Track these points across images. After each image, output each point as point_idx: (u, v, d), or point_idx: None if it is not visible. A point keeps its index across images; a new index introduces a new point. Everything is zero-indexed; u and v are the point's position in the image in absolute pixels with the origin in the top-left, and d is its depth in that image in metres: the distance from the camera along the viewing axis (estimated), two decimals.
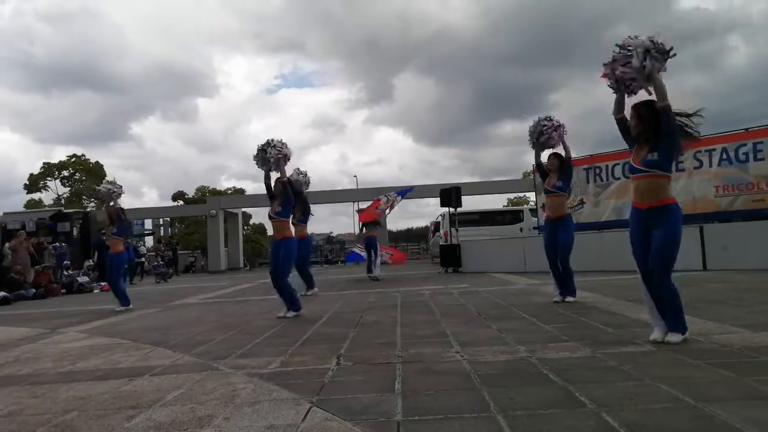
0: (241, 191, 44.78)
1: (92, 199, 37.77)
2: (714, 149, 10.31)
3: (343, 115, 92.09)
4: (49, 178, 39.76)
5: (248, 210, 38.94)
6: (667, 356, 3.07)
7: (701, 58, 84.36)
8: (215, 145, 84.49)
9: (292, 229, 6.62)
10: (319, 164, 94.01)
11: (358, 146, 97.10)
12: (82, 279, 14.78)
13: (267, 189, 6.20)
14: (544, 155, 6.25)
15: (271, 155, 6.00)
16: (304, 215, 8.84)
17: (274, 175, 6.16)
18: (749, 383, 2.45)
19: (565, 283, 5.87)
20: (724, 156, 10.21)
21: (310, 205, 9.14)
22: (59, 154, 65.26)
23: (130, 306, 8.03)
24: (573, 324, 4.42)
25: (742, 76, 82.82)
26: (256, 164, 6.17)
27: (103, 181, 8.72)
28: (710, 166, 10.40)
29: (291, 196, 6.13)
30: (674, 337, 3.37)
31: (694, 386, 2.44)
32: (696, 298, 5.38)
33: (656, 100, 3.43)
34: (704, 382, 2.51)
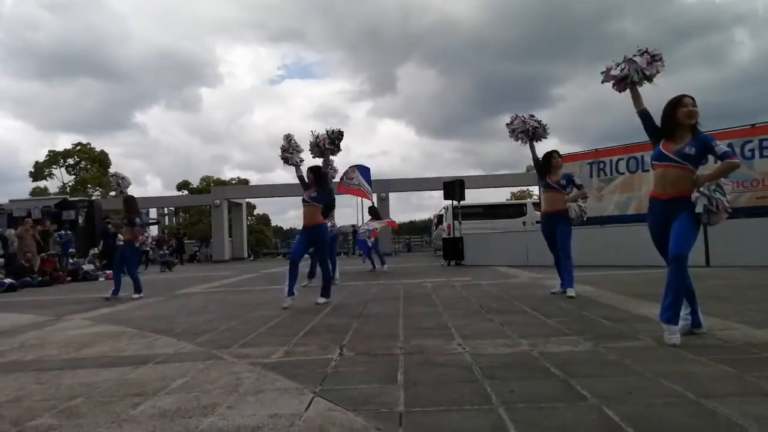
0: (245, 182, 44.86)
1: (99, 188, 37.93)
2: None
3: (346, 106, 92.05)
4: (54, 166, 39.90)
5: (252, 200, 39.02)
6: (669, 351, 3.08)
7: (706, 52, 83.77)
8: (218, 134, 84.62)
9: None
10: None
11: (362, 138, 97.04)
12: (88, 267, 14.86)
13: (300, 181, 6.38)
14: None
15: (290, 148, 6.36)
16: (326, 208, 8.95)
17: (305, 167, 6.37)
18: (750, 379, 2.46)
19: (565, 275, 5.88)
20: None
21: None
22: (62, 141, 65.77)
23: (142, 294, 8.07)
24: (574, 318, 4.43)
25: (747, 70, 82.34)
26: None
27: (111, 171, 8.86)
28: (715, 161, 10.33)
29: (327, 183, 6.36)
30: (674, 338, 3.23)
31: (696, 381, 2.45)
32: (698, 294, 5.35)
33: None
34: (705, 378, 2.52)
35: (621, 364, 2.84)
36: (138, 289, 8.11)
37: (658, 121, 3.61)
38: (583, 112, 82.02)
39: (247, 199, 35.04)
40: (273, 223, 53.57)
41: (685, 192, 3.42)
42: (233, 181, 44.59)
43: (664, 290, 3.41)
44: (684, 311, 3.50)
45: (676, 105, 3.48)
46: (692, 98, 3.49)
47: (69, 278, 13.96)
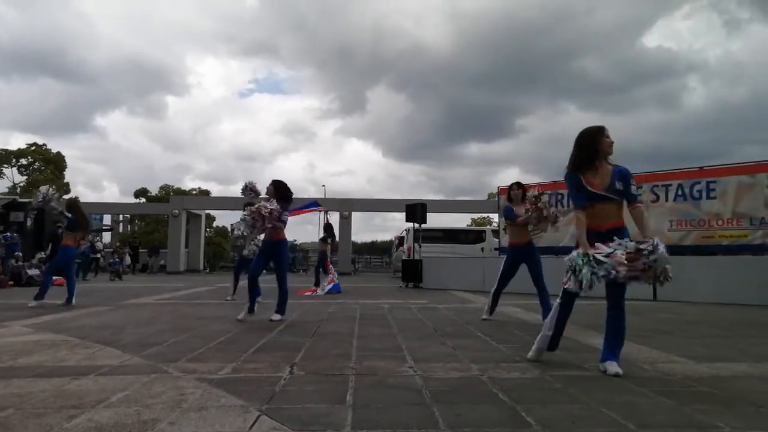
0: (206, 192, 44.06)
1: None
2: (670, 185, 10.73)
3: (314, 123, 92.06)
4: (6, 166, 38.31)
5: (212, 212, 38.30)
6: (613, 382, 3.16)
7: (661, 95, 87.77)
8: (182, 144, 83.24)
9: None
10: (287, 171, 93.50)
11: (328, 156, 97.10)
12: (33, 272, 14.23)
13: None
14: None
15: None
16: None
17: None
18: (687, 411, 2.54)
19: (546, 304, 5.94)
20: (680, 192, 10.63)
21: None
22: (17, 141, 62.92)
23: (41, 301, 7.76)
24: (525, 345, 4.47)
25: (699, 115, 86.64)
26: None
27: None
28: (666, 200, 10.82)
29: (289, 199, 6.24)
30: (614, 368, 3.33)
31: (636, 412, 2.52)
32: (645, 327, 5.55)
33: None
34: (646, 409, 2.59)
35: (566, 393, 2.90)
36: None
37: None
38: (544, 145, 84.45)
39: (207, 211, 34.38)
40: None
41: (620, 223, 3.49)
42: (194, 192, 43.73)
43: (615, 333, 3.48)
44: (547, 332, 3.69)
45: (599, 134, 3.52)
46: (606, 129, 3.57)
47: (11, 282, 13.34)
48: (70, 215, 8.16)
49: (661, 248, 3.27)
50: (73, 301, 7.89)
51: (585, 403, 2.68)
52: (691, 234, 10.46)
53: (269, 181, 6.29)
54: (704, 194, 10.33)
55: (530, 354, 3.80)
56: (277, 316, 5.99)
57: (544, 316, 5.80)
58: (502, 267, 6.26)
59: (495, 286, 6.28)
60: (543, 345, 3.74)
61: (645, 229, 3.48)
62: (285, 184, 6.26)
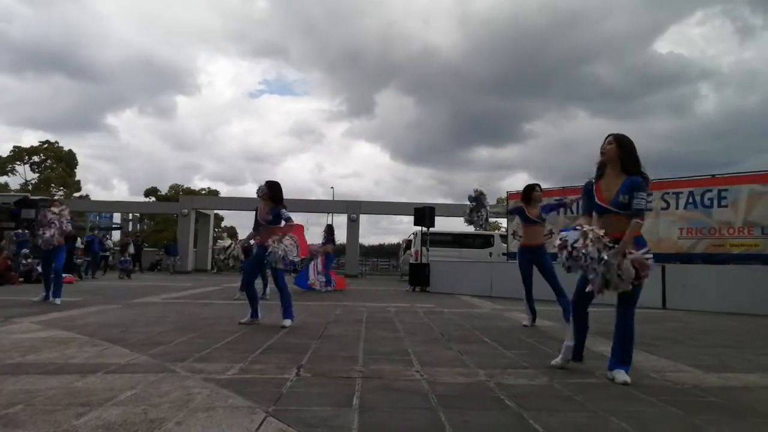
0: (215, 192, 44.35)
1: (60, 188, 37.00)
2: (681, 192, 10.66)
3: (322, 125, 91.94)
4: (18, 163, 38.73)
5: (221, 212, 38.52)
6: (621, 390, 3.14)
7: (672, 102, 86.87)
8: (191, 144, 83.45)
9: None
10: (295, 172, 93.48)
11: (336, 157, 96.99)
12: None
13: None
14: None
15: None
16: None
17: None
18: (695, 421, 2.52)
19: (564, 305, 5.77)
20: (690, 200, 10.55)
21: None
22: (29, 138, 63.04)
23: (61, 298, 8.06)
24: (532, 351, 4.48)
25: (711, 123, 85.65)
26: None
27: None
28: (676, 208, 10.74)
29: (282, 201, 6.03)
30: (622, 377, 3.31)
31: (644, 421, 2.50)
32: (654, 336, 5.52)
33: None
34: (654, 418, 2.57)
35: (574, 400, 2.88)
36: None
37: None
38: (553, 150, 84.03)
39: (216, 211, 34.55)
40: (240, 237, 52.87)
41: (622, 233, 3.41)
42: (203, 192, 44.00)
43: (623, 339, 3.46)
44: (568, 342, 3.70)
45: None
46: (612, 136, 3.58)
47: (21, 279, 13.46)
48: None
49: (612, 259, 3.26)
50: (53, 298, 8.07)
51: (593, 411, 2.67)
52: (702, 242, 10.38)
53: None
54: (715, 202, 10.25)
55: (554, 361, 3.81)
56: (287, 322, 5.77)
57: (567, 318, 5.77)
58: (520, 272, 6.25)
59: (524, 293, 6.25)
60: (568, 355, 3.74)
61: (625, 243, 3.32)
62: (278, 186, 6.02)
